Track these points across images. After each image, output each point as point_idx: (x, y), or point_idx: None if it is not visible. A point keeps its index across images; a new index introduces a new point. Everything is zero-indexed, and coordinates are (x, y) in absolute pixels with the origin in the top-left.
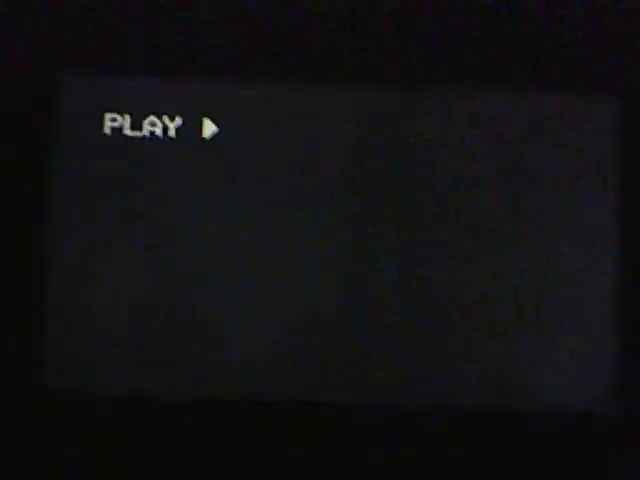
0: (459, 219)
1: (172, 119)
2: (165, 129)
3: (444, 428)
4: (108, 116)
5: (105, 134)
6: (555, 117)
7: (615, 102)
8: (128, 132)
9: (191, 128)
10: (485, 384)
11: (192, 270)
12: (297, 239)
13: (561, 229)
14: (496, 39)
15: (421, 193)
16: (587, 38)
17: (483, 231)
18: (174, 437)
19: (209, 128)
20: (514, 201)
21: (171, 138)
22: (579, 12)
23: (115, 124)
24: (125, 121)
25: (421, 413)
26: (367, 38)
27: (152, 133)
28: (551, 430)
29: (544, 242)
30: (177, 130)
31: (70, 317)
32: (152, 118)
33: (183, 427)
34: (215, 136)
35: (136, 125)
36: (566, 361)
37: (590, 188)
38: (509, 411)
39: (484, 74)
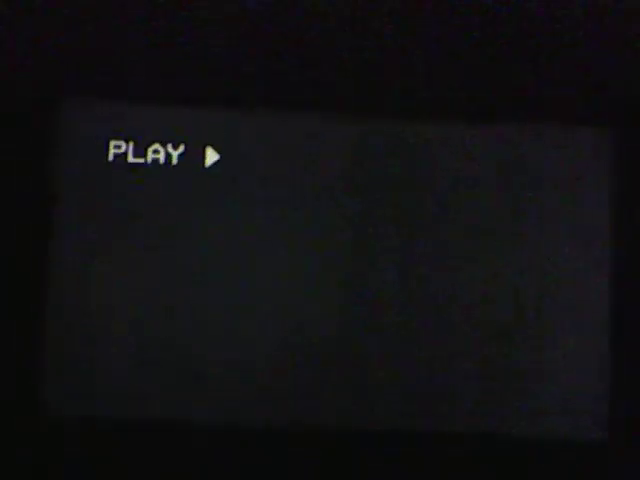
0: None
1: (175, 147)
2: (168, 155)
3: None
4: (113, 143)
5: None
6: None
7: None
8: (132, 159)
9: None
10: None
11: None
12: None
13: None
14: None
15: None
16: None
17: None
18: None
19: (211, 157)
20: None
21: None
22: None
23: (119, 151)
24: (129, 148)
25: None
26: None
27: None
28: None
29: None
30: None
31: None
32: (156, 145)
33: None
34: (218, 161)
35: (140, 152)
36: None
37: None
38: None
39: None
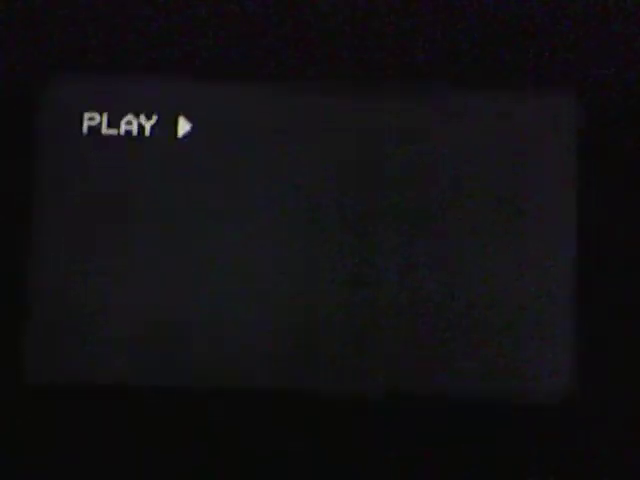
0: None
1: (148, 117)
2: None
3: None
4: (86, 115)
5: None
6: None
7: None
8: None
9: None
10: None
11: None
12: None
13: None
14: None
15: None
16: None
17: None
18: (167, 427)
19: (183, 127)
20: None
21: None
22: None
23: (92, 123)
24: (102, 120)
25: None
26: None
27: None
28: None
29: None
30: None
31: (54, 295)
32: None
33: (182, 417)
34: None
35: (114, 123)
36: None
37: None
38: (508, 404)
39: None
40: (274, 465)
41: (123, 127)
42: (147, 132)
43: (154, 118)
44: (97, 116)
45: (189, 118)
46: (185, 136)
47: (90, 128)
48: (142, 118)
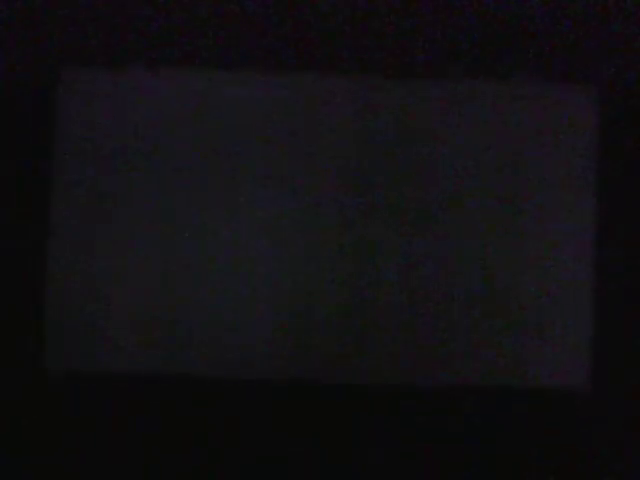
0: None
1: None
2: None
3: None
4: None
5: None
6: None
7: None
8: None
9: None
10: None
11: (191, 263)
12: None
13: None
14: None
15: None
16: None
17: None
18: (168, 412)
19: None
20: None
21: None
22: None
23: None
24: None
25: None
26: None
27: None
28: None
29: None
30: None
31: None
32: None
33: (181, 415)
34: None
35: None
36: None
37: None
38: (508, 404)
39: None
40: (274, 463)
41: (131, 125)
42: (153, 132)
43: (160, 117)
44: (106, 114)
45: (192, 119)
46: (188, 137)
47: (99, 129)
48: (149, 117)
